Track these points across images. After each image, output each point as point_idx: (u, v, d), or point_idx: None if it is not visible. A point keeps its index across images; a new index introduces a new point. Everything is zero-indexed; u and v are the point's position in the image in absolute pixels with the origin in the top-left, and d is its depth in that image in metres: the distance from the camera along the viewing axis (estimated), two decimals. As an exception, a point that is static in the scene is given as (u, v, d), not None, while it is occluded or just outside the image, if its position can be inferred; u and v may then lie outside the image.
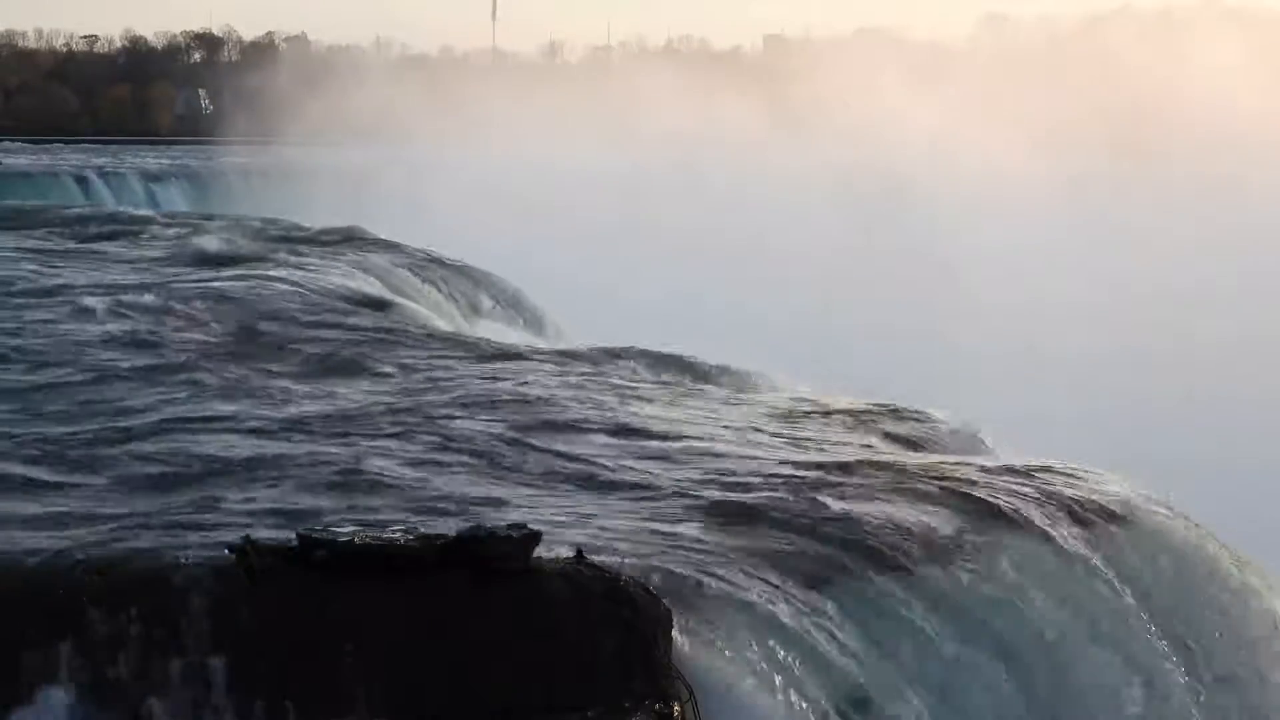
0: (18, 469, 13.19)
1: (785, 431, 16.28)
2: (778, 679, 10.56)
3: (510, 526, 10.43)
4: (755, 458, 14.64)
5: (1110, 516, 13.55)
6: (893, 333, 41.56)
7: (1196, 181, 59.99)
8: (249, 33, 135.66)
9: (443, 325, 24.81)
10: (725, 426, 16.25)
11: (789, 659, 10.74)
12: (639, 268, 46.74)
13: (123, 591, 9.68)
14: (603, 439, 15.15)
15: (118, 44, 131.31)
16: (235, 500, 12.22)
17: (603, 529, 11.94)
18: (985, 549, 12.52)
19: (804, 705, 10.55)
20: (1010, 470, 14.64)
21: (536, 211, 55.31)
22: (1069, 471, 14.61)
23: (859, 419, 17.05)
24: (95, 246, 33.03)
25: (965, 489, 13.59)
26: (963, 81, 74.26)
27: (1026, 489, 13.80)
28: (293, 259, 30.09)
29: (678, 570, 11.18)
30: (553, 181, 61.07)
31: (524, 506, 12.44)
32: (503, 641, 9.82)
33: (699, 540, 11.86)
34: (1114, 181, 61.47)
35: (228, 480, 12.88)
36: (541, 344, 24.32)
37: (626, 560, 10.98)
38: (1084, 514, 13.45)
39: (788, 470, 14.16)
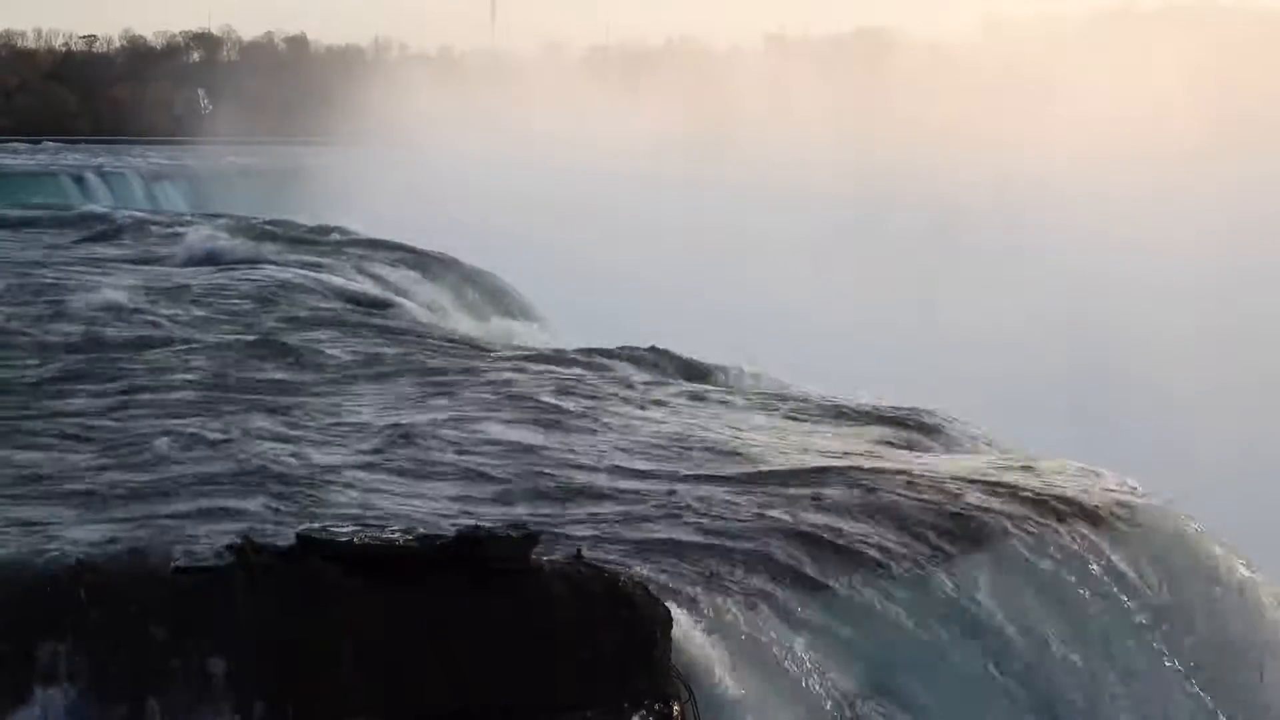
0: (18, 468, 13.20)
1: (785, 430, 16.28)
2: (778, 679, 10.57)
3: (510, 526, 10.43)
4: (755, 456, 14.64)
5: (1111, 517, 13.53)
6: (896, 330, 41.52)
7: None
8: (248, 33, 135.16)
9: (441, 324, 24.82)
10: (724, 425, 16.25)
11: (789, 659, 10.75)
12: (640, 266, 46.71)
13: (122, 591, 9.67)
14: (599, 438, 15.16)
15: (117, 44, 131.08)
16: (235, 500, 12.22)
17: (601, 528, 11.95)
18: (986, 550, 12.52)
19: (804, 705, 10.56)
20: (1012, 470, 14.65)
21: (539, 211, 55.29)
22: (1072, 470, 14.61)
23: (860, 418, 17.06)
24: (94, 246, 33.07)
25: (967, 489, 13.59)
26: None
27: (1029, 489, 13.80)
28: (292, 259, 30.15)
29: (677, 570, 11.18)
30: (554, 181, 61.07)
31: (523, 506, 12.45)
32: (502, 641, 9.82)
33: (698, 540, 11.87)
34: None
35: (227, 480, 12.88)
36: (538, 343, 24.32)
37: (626, 560, 10.99)
38: (1085, 514, 13.45)
39: (788, 469, 14.16)
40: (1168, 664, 12.61)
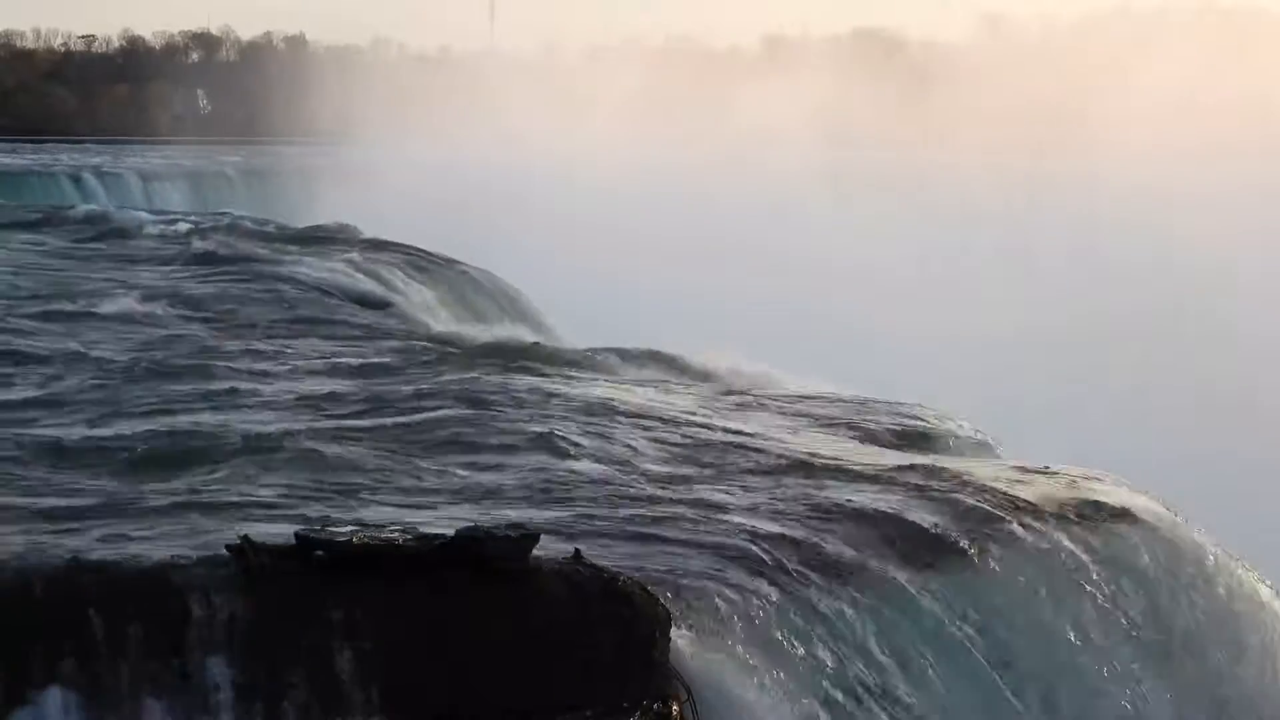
0: (19, 469, 13.20)
1: (788, 430, 16.28)
2: (775, 678, 10.57)
3: (509, 526, 10.45)
4: (756, 457, 14.64)
5: (1113, 519, 13.54)
6: (896, 330, 41.52)
7: None
8: (247, 33, 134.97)
9: (439, 325, 24.82)
10: (723, 426, 16.25)
11: (786, 658, 10.75)
12: (639, 266, 46.71)
13: (122, 592, 9.68)
14: (598, 437, 15.16)
15: (115, 44, 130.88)
16: (235, 500, 12.22)
17: (600, 529, 11.95)
18: (985, 551, 12.52)
19: (801, 704, 10.56)
20: (1015, 471, 14.65)
21: (538, 211, 55.32)
22: (1076, 473, 14.61)
23: (859, 418, 17.06)
24: (92, 246, 33.04)
25: (967, 489, 13.59)
26: None
27: (1030, 490, 13.80)
28: (291, 258, 30.10)
29: (675, 570, 11.19)
30: (552, 180, 61.12)
31: (522, 507, 12.45)
32: (502, 641, 9.83)
33: (696, 540, 11.87)
34: None
35: (227, 480, 12.89)
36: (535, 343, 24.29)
37: (624, 560, 10.99)
38: (1086, 516, 13.45)
39: (789, 469, 14.16)
40: (1159, 661, 12.63)
